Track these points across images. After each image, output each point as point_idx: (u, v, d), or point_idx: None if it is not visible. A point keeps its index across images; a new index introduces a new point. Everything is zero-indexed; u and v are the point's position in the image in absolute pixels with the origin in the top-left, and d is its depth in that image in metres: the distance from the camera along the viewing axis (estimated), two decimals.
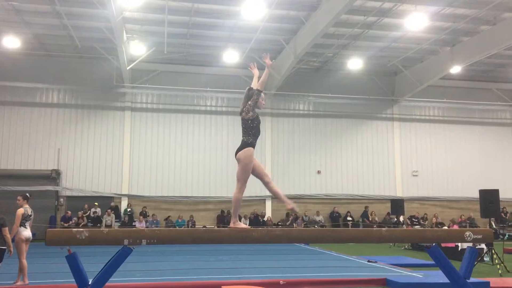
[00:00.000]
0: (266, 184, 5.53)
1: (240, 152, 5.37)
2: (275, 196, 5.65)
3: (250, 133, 5.48)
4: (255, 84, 5.70)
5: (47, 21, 17.47)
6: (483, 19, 17.28)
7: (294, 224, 20.79)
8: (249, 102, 5.55)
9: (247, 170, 5.36)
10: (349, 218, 21.69)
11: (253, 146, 5.44)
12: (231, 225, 5.37)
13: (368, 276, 9.41)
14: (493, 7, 16.00)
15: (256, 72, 5.95)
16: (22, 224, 8.27)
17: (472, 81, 23.88)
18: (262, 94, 5.61)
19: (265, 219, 21.17)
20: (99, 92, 21.02)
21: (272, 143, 22.22)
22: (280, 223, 21.11)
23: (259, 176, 5.56)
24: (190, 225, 20.11)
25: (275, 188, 5.56)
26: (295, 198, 21.92)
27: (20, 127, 20.29)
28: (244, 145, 5.41)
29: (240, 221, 22.58)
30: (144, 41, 19.04)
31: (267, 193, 22.98)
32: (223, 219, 20.76)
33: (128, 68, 19.51)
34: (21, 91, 20.40)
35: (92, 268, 5.84)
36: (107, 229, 5.24)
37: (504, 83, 24.32)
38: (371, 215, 22.02)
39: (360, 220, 21.78)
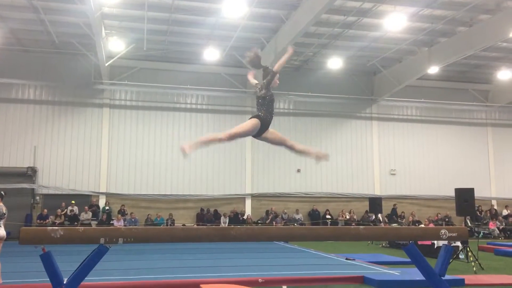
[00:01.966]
0: (290, 148, 5.79)
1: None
2: (302, 154, 5.71)
3: (262, 109, 5.60)
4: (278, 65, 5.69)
5: (24, 15, 17.12)
6: (460, 21, 17.59)
7: (273, 222, 20.85)
8: (263, 81, 5.63)
9: (244, 128, 5.43)
10: (328, 216, 21.84)
11: (261, 120, 5.52)
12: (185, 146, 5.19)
13: (346, 273, 9.49)
14: (470, 9, 16.29)
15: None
16: None
17: (449, 82, 24.28)
18: (277, 74, 5.72)
19: (245, 217, 21.17)
20: (76, 89, 20.69)
21: (252, 142, 22.18)
22: (259, 221, 21.14)
23: (281, 143, 5.79)
24: (169, 223, 19.98)
25: (299, 147, 5.83)
26: (274, 196, 22.02)
27: None
28: (253, 116, 5.53)
29: (219, 219, 22.16)
30: (123, 38, 18.81)
31: (247, 191, 22.79)
32: (202, 217, 20.69)
33: (106, 64, 19.26)
34: None
35: (67, 267, 5.74)
36: (82, 227, 5.16)
37: (480, 83, 24.79)
38: (350, 213, 22.24)
39: (386, 220, 21.89)
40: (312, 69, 22.71)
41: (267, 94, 5.65)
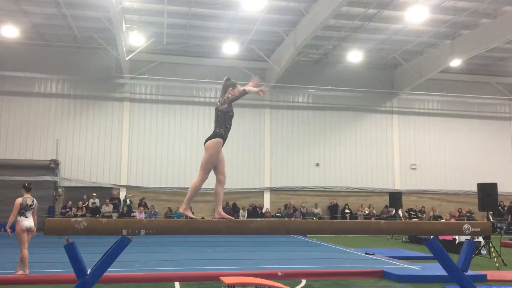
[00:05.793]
0: (218, 182, 5.54)
1: (209, 141, 5.41)
2: (215, 196, 5.56)
3: (223, 125, 5.49)
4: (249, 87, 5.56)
5: (46, 10, 17.36)
6: (483, 12, 17.23)
7: (292, 216, 20.83)
8: (228, 95, 5.53)
9: (213, 161, 5.42)
10: (347, 211, 21.74)
11: (224, 139, 5.47)
12: (181, 210, 5.43)
13: (365, 268, 9.45)
14: (494, 0, 15.94)
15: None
16: (22, 214, 8.26)
17: (471, 75, 23.84)
18: (238, 86, 5.64)
19: (264, 211, 21.21)
20: (97, 83, 20.95)
21: (271, 135, 22.21)
22: (278, 214, 21.14)
23: (217, 171, 5.55)
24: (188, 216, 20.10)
25: (220, 190, 5.53)
26: (293, 190, 22.00)
27: (18, 117, 20.24)
28: (214, 135, 5.44)
29: (238, 213, 22.24)
30: (143, 32, 18.95)
31: (266, 185, 22.67)
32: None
33: (127, 58, 19.44)
34: (19, 81, 20.33)
35: (90, 258, 5.84)
36: (105, 219, 5.24)
37: (504, 77, 24.29)
38: (369, 207, 22.09)
39: (407, 215, 21.62)
40: (332, 63, 22.55)
41: (228, 109, 5.52)
